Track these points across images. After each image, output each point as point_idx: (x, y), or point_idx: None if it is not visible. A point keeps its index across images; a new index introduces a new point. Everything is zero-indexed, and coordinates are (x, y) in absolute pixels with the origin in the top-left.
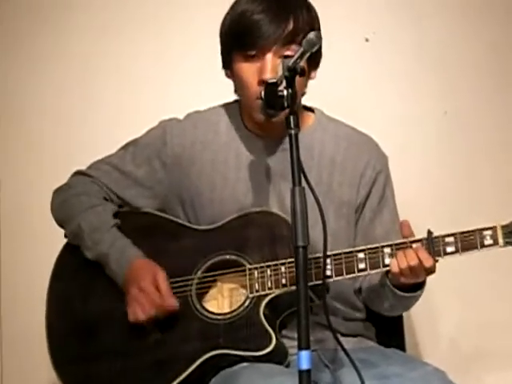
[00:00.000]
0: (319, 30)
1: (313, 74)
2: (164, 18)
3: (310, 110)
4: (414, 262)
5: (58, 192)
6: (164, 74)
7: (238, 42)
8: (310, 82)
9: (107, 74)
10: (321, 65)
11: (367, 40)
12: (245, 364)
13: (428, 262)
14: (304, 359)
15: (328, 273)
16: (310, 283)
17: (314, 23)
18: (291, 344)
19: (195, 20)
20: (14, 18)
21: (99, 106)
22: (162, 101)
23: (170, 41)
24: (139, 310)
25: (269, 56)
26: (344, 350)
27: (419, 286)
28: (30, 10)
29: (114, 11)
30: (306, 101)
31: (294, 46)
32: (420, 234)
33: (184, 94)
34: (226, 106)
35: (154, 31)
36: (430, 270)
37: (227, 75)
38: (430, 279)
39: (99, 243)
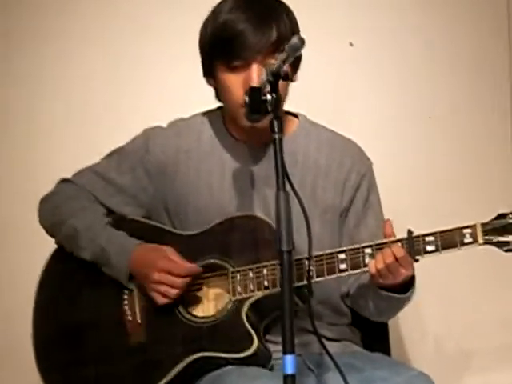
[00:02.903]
0: (299, 33)
1: (294, 77)
2: (157, 23)
3: (294, 115)
4: (389, 259)
5: (45, 200)
6: (158, 80)
7: (221, 52)
8: (295, 87)
9: (100, 80)
10: (306, 69)
11: (351, 44)
12: (230, 367)
13: (400, 252)
14: (289, 364)
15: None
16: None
17: (294, 28)
18: (276, 348)
19: (188, 25)
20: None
21: (87, 112)
22: (154, 107)
23: (164, 46)
24: (170, 289)
25: (254, 66)
26: (329, 354)
27: (406, 289)
28: (30, 13)
29: (110, 16)
30: (290, 105)
31: (278, 54)
32: (403, 235)
33: (178, 99)
34: (209, 113)
35: (149, 36)
36: (408, 271)
37: (209, 83)
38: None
39: (95, 240)
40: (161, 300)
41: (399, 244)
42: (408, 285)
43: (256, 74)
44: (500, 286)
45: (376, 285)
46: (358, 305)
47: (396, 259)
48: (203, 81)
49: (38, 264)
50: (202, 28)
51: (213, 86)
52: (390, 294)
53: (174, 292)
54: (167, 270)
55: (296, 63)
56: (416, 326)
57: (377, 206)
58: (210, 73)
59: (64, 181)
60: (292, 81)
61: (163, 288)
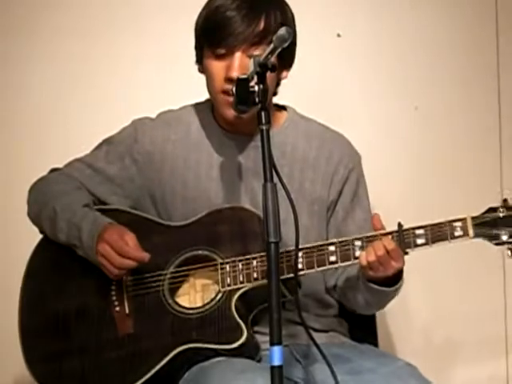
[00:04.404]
0: (294, 28)
1: (284, 74)
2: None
3: (283, 108)
4: (380, 251)
5: (32, 187)
6: (148, 73)
7: (208, 38)
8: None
9: (90, 73)
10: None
11: (339, 35)
12: (218, 358)
13: (391, 245)
14: (276, 355)
15: (299, 266)
16: (282, 277)
17: (287, 22)
18: (263, 339)
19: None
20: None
21: (77, 106)
22: (143, 100)
23: (151, 41)
24: (110, 265)
25: (237, 54)
26: (316, 345)
27: (395, 283)
28: (18, 6)
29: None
30: (277, 95)
31: (263, 46)
32: (392, 228)
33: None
34: (199, 105)
35: (140, 27)
36: (398, 263)
37: (200, 70)
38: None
39: (71, 219)
40: (109, 275)
41: (389, 237)
42: (396, 277)
43: (238, 63)
44: (487, 277)
45: (366, 277)
46: (346, 298)
47: (387, 251)
48: (188, 76)
49: (23, 256)
50: (199, 14)
51: (203, 73)
52: (379, 287)
53: (113, 271)
54: (112, 245)
55: (288, 60)
56: (403, 317)
57: (365, 200)
58: (200, 59)
59: (52, 170)
60: (282, 78)
61: (105, 262)
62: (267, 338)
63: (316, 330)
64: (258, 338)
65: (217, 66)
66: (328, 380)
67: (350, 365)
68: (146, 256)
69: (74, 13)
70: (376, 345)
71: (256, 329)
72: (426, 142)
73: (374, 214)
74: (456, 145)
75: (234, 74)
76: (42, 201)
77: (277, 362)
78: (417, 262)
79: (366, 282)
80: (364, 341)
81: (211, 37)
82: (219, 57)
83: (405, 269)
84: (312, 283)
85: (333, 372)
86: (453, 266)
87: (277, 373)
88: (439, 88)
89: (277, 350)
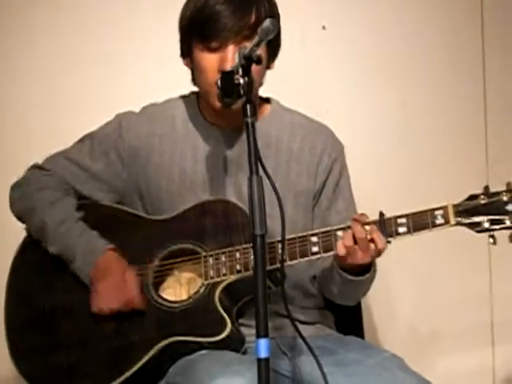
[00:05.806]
0: (279, 20)
1: (271, 65)
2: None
3: (266, 100)
4: (360, 234)
5: (16, 187)
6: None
7: (199, 32)
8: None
9: (82, 69)
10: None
11: (324, 28)
12: (203, 352)
13: (375, 233)
14: (262, 347)
15: None
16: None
17: (274, 14)
18: (249, 332)
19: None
20: None
21: (60, 98)
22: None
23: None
24: (104, 304)
25: (230, 47)
26: (302, 337)
27: (366, 271)
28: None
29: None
30: (261, 87)
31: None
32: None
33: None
34: (184, 97)
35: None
36: (379, 249)
37: (186, 64)
38: (386, 265)
39: (65, 236)
40: (93, 309)
41: (374, 227)
42: (368, 269)
43: (231, 55)
44: (471, 267)
45: (342, 265)
46: (322, 287)
47: (371, 239)
48: (182, 71)
49: (10, 249)
50: (182, 8)
51: (189, 67)
52: (352, 277)
53: (105, 310)
54: (114, 288)
55: (274, 50)
56: (388, 308)
57: (347, 190)
58: (187, 53)
59: (35, 167)
60: (268, 68)
61: (101, 299)
62: (253, 331)
63: (302, 323)
64: (244, 330)
65: (210, 59)
66: (314, 372)
67: (336, 357)
68: (140, 302)
69: (66, 8)
70: (362, 336)
71: (241, 321)
72: (413, 135)
73: (361, 214)
74: (443, 138)
75: (228, 67)
76: (30, 207)
77: (263, 354)
78: (401, 253)
79: (340, 272)
80: (350, 333)
81: (202, 31)
82: (212, 50)
83: (389, 259)
84: (297, 275)
85: (319, 364)
86: (438, 256)
87: (264, 365)
88: (426, 82)
89: (263, 342)
